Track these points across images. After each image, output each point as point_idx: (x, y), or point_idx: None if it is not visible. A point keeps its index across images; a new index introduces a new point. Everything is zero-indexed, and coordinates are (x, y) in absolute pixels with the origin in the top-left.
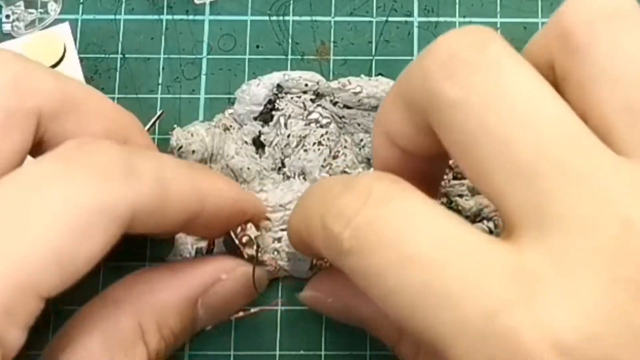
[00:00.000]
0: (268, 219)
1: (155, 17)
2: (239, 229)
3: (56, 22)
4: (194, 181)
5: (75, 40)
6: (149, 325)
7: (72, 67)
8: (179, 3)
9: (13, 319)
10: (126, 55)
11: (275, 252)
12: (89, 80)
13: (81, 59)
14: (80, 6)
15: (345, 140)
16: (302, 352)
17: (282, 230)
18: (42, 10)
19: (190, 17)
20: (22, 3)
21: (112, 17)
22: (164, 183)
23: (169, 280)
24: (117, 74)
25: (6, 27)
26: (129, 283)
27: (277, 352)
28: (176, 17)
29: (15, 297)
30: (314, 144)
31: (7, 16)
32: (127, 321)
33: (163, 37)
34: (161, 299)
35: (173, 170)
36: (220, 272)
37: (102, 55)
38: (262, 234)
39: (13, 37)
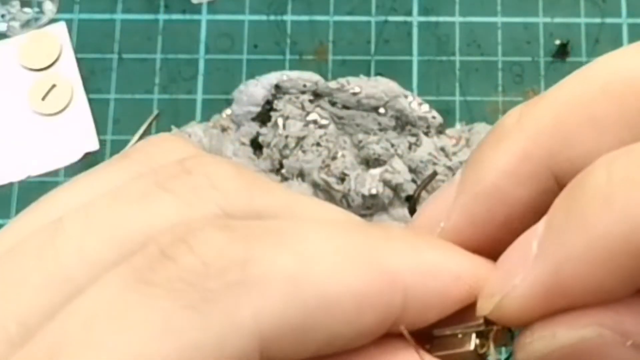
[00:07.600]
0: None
1: (152, 16)
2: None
3: (52, 21)
4: (373, 262)
5: (71, 39)
6: None
7: (68, 67)
8: (175, 2)
9: None
10: (123, 55)
11: None
12: (85, 80)
13: (77, 59)
14: (77, 5)
15: (345, 142)
16: None
17: None
18: (37, 10)
19: (187, 16)
20: (17, 2)
21: (108, 16)
22: (327, 279)
23: None
24: (114, 74)
25: (1, 27)
26: None
27: None
28: (173, 16)
29: None
30: (313, 145)
31: (3, 15)
32: None
33: (160, 37)
34: None
35: (320, 244)
36: None
37: (99, 55)
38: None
39: (8, 37)
